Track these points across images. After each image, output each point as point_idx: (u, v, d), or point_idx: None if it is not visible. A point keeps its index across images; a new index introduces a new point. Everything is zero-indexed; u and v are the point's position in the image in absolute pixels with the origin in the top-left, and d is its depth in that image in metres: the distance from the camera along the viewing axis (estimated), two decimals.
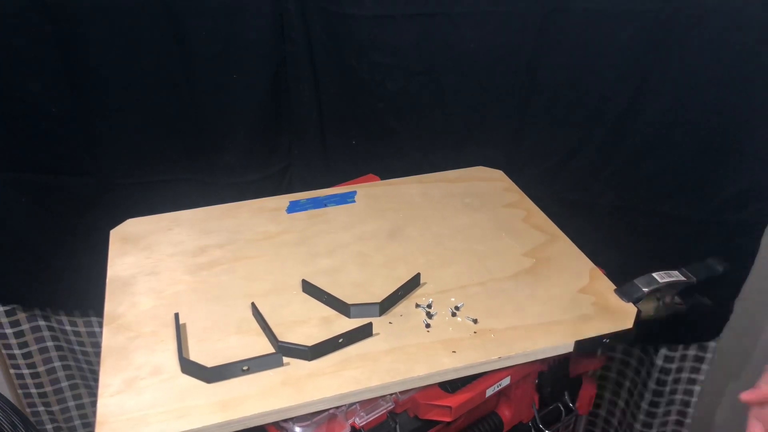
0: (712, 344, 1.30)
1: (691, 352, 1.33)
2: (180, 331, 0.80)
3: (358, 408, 0.75)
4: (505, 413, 0.88)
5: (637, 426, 1.43)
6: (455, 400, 0.76)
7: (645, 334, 0.85)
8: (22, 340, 1.46)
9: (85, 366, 1.55)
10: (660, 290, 0.84)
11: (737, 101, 1.03)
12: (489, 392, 0.80)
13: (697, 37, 1.00)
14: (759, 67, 0.99)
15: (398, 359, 0.76)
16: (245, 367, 0.73)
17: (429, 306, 0.84)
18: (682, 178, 1.13)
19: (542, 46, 1.08)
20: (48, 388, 1.56)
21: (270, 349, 0.77)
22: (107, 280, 0.91)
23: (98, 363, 0.97)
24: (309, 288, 0.87)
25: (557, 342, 0.79)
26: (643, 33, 1.02)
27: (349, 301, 0.83)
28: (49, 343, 1.51)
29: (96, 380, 1.54)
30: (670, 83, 1.05)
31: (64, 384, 1.58)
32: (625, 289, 0.85)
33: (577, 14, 1.03)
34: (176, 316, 0.81)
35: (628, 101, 1.08)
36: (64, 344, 1.51)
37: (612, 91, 1.09)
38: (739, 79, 1.01)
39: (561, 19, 1.04)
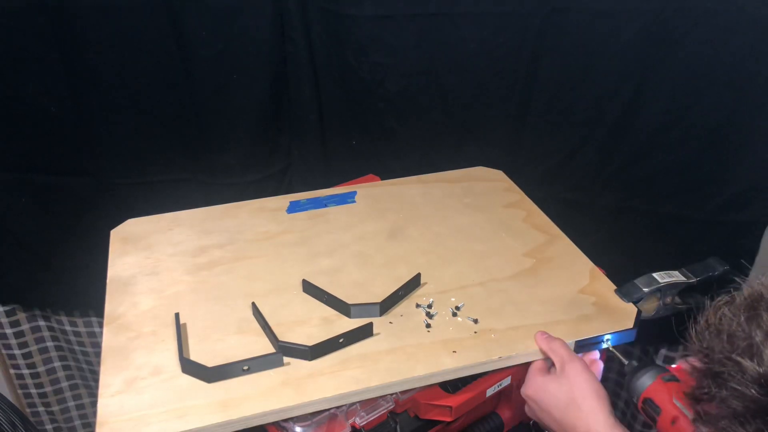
0: None
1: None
2: (180, 331, 0.80)
3: (359, 408, 0.75)
4: (505, 413, 0.88)
5: (637, 426, 1.43)
6: (455, 400, 0.76)
7: (645, 334, 0.85)
8: (22, 340, 1.46)
9: (85, 366, 1.55)
10: (660, 290, 0.84)
11: (737, 101, 1.03)
12: (489, 392, 0.80)
13: (697, 37, 1.00)
14: (759, 67, 0.99)
15: (398, 359, 0.76)
16: (245, 367, 0.73)
17: (429, 306, 0.84)
18: (682, 178, 1.13)
19: (542, 46, 1.08)
20: (48, 388, 1.56)
21: (270, 349, 0.77)
22: (107, 280, 0.91)
23: (98, 363, 0.97)
24: (309, 288, 0.87)
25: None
26: (643, 33, 1.02)
27: (349, 301, 0.83)
28: (49, 343, 1.51)
29: (96, 380, 1.54)
30: (670, 83, 1.05)
31: (64, 384, 1.58)
32: (625, 290, 0.85)
33: (577, 14, 1.03)
34: (177, 316, 0.81)
35: (628, 101, 1.08)
36: (64, 344, 1.51)
37: (612, 91, 1.09)
38: (739, 79, 1.01)
39: (561, 19, 1.04)
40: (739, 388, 0.47)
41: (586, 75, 1.09)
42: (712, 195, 1.12)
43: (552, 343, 0.76)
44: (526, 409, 0.77)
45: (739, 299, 0.52)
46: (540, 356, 0.78)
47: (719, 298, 0.54)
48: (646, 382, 0.70)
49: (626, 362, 0.75)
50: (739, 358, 0.48)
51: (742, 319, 0.50)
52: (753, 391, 0.47)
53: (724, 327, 0.51)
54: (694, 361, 0.54)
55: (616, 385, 1.50)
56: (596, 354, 0.82)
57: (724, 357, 0.49)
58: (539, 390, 0.73)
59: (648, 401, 0.69)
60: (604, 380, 1.52)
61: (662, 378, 0.70)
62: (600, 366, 0.81)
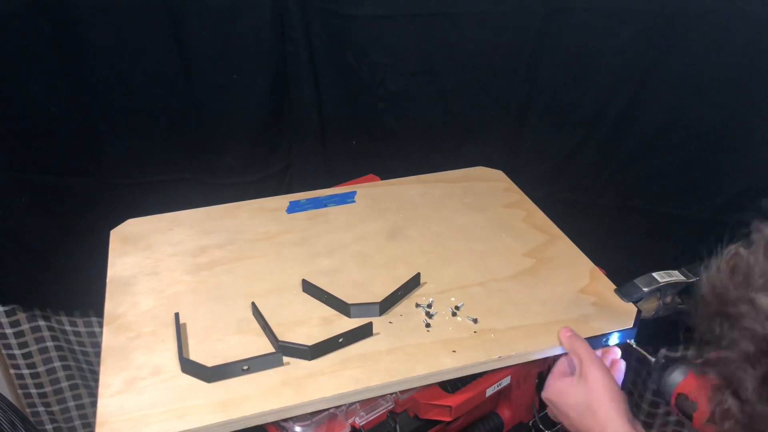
0: None
1: (691, 352, 1.32)
2: (180, 330, 0.80)
3: (358, 407, 0.75)
4: (505, 413, 0.88)
5: (637, 426, 1.43)
6: (455, 400, 0.76)
7: (645, 334, 0.85)
8: (22, 340, 1.46)
9: (85, 366, 1.55)
10: (660, 290, 0.84)
11: (737, 101, 1.03)
12: (489, 392, 0.80)
13: (697, 37, 1.00)
14: (759, 67, 0.99)
15: (398, 359, 0.76)
16: (245, 367, 0.73)
17: (429, 306, 0.84)
18: (682, 178, 1.13)
19: (542, 46, 1.08)
20: (48, 388, 1.56)
21: (270, 348, 0.77)
22: (107, 280, 0.91)
23: (98, 363, 0.97)
24: (309, 288, 0.87)
25: (557, 342, 0.79)
26: (643, 33, 1.02)
27: (349, 301, 0.83)
28: (49, 343, 1.51)
29: (96, 380, 1.54)
30: (669, 83, 1.05)
31: (64, 384, 1.58)
32: (625, 289, 0.85)
33: (577, 14, 1.03)
34: (176, 315, 0.81)
35: (628, 101, 1.08)
36: (64, 344, 1.51)
37: (612, 91, 1.09)
38: (738, 79, 1.01)
39: (561, 19, 1.04)
40: (753, 326, 0.46)
41: (586, 75, 1.09)
42: (712, 195, 1.12)
43: (573, 343, 0.75)
44: (548, 410, 0.77)
45: (757, 239, 0.52)
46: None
47: (732, 245, 0.53)
48: (678, 378, 0.67)
49: (653, 359, 0.73)
50: (754, 295, 0.47)
51: (761, 256, 0.49)
52: None
53: (740, 266, 0.50)
54: (701, 308, 0.53)
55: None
56: (618, 352, 0.81)
57: (738, 296, 0.48)
58: (557, 393, 0.74)
59: (682, 397, 0.67)
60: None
61: (695, 372, 0.67)
62: (622, 365, 0.80)
